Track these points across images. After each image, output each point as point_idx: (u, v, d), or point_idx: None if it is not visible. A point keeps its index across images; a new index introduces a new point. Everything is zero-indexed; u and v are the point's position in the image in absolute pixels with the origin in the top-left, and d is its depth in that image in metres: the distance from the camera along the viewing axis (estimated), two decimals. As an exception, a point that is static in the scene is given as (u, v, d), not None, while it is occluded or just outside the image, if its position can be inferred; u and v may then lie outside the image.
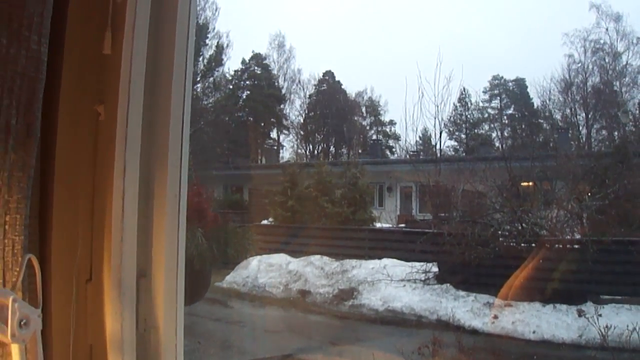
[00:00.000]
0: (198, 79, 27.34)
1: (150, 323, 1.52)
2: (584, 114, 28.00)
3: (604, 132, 27.85)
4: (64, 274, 1.37)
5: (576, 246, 10.66)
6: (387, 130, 36.66)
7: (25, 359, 1.03)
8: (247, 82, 35.18)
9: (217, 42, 27.93)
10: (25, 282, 1.12)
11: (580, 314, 8.75)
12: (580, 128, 27.88)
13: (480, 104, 34.80)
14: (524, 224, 11.37)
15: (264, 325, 10.06)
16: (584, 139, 26.89)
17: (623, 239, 10.51)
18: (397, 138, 35.05)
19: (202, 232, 8.96)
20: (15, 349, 1.01)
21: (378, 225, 16.87)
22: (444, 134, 28.02)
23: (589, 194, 11.77)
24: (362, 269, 11.88)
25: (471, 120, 35.02)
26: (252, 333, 9.47)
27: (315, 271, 12.20)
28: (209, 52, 27.75)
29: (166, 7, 1.51)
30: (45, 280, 1.30)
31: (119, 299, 1.43)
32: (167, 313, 1.54)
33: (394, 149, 35.58)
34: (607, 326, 7.24)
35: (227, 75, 32.06)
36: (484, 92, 35.21)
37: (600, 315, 8.35)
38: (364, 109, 37.38)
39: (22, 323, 0.99)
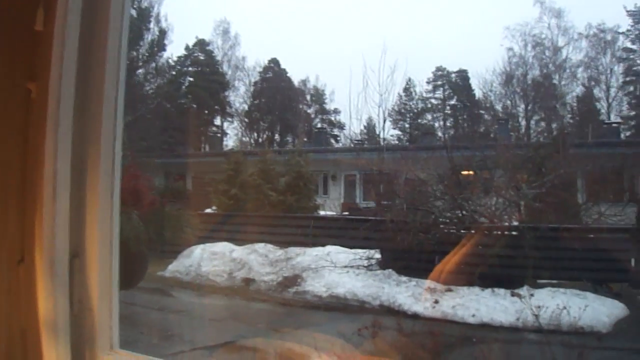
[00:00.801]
0: (140, 64, 26.71)
1: (85, 305, 1.51)
2: (523, 106, 28.87)
3: (542, 123, 28.76)
4: (-7, 255, 1.34)
5: (514, 233, 10.97)
6: (332, 118, 36.72)
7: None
8: (191, 69, 34.53)
9: (159, 27, 27.30)
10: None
11: (517, 297, 9.05)
12: (520, 119, 28.74)
13: (424, 94, 35.33)
14: (464, 211, 11.63)
15: (208, 314, 9.97)
16: (523, 130, 27.73)
17: (559, 226, 10.86)
18: (341, 127, 35.19)
19: (138, 215, 8.76)
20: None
21: (322, 213, 16.95)
22: (388, 123, 28.31)
23: (527, 182, 12.13)
24: (306, 256, 11.91)
25: (415, 110, 35.52)
26: (195, 322, 9.37)
27: (259, 259, 12.16)
28: (150, 36, 27.11)
29: (100, -16, 1.49)
30: (-27, 260, 1.27)
31: (52, 280, 1.42)
32: (102, 294, 1.53)
33: (338, 138, 35.70)
34: (539, 306, 7.51)
35: (170, 61, 31.39)
36: (428, 83, 35.76)
37: (533, 296, 8.67)
38: (309, 97, 37.33)
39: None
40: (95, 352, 1.50)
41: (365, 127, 30.47)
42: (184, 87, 33.56)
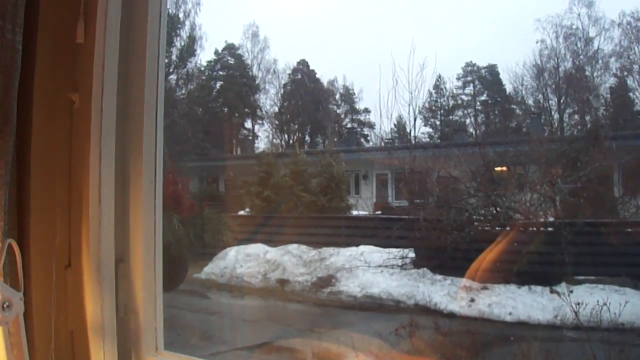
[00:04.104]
0: (172, 70, 27.03)
1: (130, 308, 1.55)
2: (556, 99, 28.26)
3: (576, 116, 28.18)
4: (43, 260, 1.39)
5: (550, 228, 10.80)
6: (362, 118, 36.57)
7: (8, 341, 1.05)
8: (221, 73, 34.84)
9: (190, 33, 27.61)
10: (6, 267, 1.14)
11: (556, 294, 8.91)
12: (553, 113, 28.15)
13: (454, 91, 34.95)
14: (498, 208, 11.49)
15: (243, 315, 10.06)
16: (556, 124, 27.17)
17: (596, 221, 10.66)
18: (371, 126, 35.02)
19: (178, 219, 8.91)
20: (-2, 331, 1.03)
21: (354, 212, 16.92)
22: (419, 121, 28.04)
23: (562, 177, 11.93)
24: (340, 256, 11.92)
25: (446, 107, 35.17)
26: (231, 323, 9.47)
27: (293, 260, 12.22)
28: (181, 43, 27.44)
29: (138, -5, 1.53)
30: (25, 266, 1.31)
31: (99, 285, 1.46)
32: (146, 298, 1.57)
33: (369, 137, 35.52)
34: (578, 303, 7.38)
35: (200, 66, 31.72)
36: (458, 79, 35.30)
37: (572, 292, 8.52)
38: (338, 97, 37.30)
39: (4, 306, 1.01)
40: (141, 354, 1.54)
41: (395, 125, 30.24)
42: (214, 91, 33.85)
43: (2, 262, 1.08)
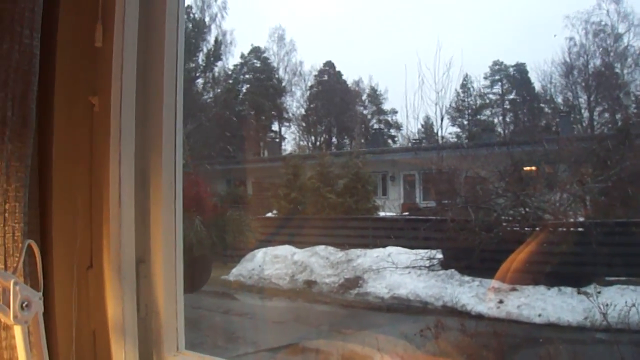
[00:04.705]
0: (198, 74, 27.33)
1: (151, 308, 1.57)
2: (585, 97, 27.79)
3: (606, 114, 27.67)
4: (64, 261, 1.41)
5: (580, 229, 10.63)
6: (389, 119, 36.46)
7: (28, 340, 1.07)
8: (247, 76, 35.08)
9: (216, 37, 27.89)
10: (26, 267, 1.16)
11: (585, 295, 8.77)
12: (582, 111, 27.67)
13: (482, 90, 34.60)
14: (527, 208, 11.35)
15: (271, 317, 10.11)
16: (586, 122, 26.71)
17: (627, 221, 10.47)
18: (398, 127, 34.90)
19: (200, 220, 8.98)
20: (18, 331, 1.05)
21: (382, 214, 16.87)
22: (446, 121, 27.84)
23: (592, 176, 11.73)
24: (367, 257, 11.90)
25: (473, 107, 34.84)
26: (259, 324, 9.51)
27: (320, 261, 12.23)
28: (207, 47, 27.74)
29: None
30: (47, 267, 1.34)
31: (120, 285, 1.48)
32: (167, 298, 1.59)
33: (396, 138, 35.42)
34: (607, 304, 7.26)
35: (227, 69, 32.00)
36: (485, 78, 34.98)
37: (601, 294, 8.40)
38: (364, 98, 37.24)
39: (23, 305, 1.03)
40: (162, 353, 1.56)
41: (422, 125, 30.12)
42: (241, 94, 34.09)
43: (21, 262, 1.11)
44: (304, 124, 35.54)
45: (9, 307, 1.01)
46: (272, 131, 36.48)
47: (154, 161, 1.56)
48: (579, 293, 8.92)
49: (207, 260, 9.81)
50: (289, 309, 10.53)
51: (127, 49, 1.46)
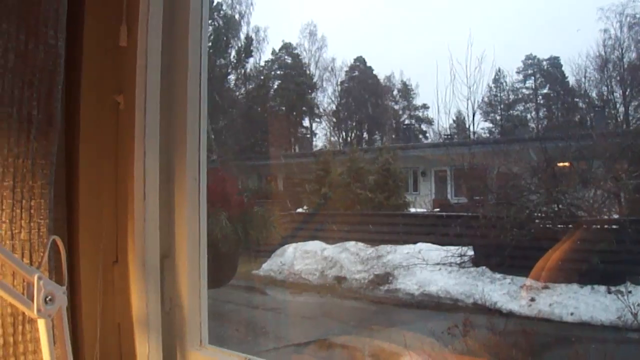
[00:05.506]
0: (229, 70, 27.53)
1: (175, 302, 1.60)
2: (620, 91, 27.10)
3: (642, 109, 27.05)
4: (90, 256, 1.45)
5: (614, 226, 10.40)
6: (420, 114, 36.18)
7: (52, 333, 1.10)
8: (278, 72, 35.18)
9: (247, 34, 28.04)
10: (52, 262, 1.19)
11: (617, 294, 8.61)
12: (618, 105, 26.97)
13: (515, 85, 34.06)
14: (560, 205, 11.16)
15: (301, 312, 10.15)
16: (621, 117, 26.04)
17: (663, 218, 10.26)
18: (430, 122, 34.60)
19: (226, 216, 9.04)
20: (41, 324, 1.08)
21: (412, 210, 16.78)
22: (478, 116, 27.45)
23: (627, 172, 11.47)
24: (397, 254, 11.84)
25: (506, 102, 34.33)
26: (289, 319, 9.57)
27: (350, 257, 12.22)
28: (238, 44, 27.93)
29: (179, -1, 1.58)
30: (73, 262, 1.38)
31: (144, 280, 1.51)
32: (191, 292, 1.61)
33: (427, 133, 35.12)
34: (638, 304, 7.11)
35: (258, 66, 32.18)
36: (518, 73, 34.39)
37: (630, 293, 8.24)
38: (395, 93, 37.02)
39: (47, 299, 1.06)
40: (186, 347, 1.58)
41: (454, 121, 29.80)
42: (272, 90, 34.23)
43: (45, 257, 1.14)
44: (334, 120, 35.51)
45: (33, 301, 1.04)
46: (303, 127, 36.55)
47: (178, 158, 1.59)
48: (610, 292, 8.75)
49: (233, 256, 9.88)
50: (319, 304, 10.55)
51: (152, 47, 1.48)
